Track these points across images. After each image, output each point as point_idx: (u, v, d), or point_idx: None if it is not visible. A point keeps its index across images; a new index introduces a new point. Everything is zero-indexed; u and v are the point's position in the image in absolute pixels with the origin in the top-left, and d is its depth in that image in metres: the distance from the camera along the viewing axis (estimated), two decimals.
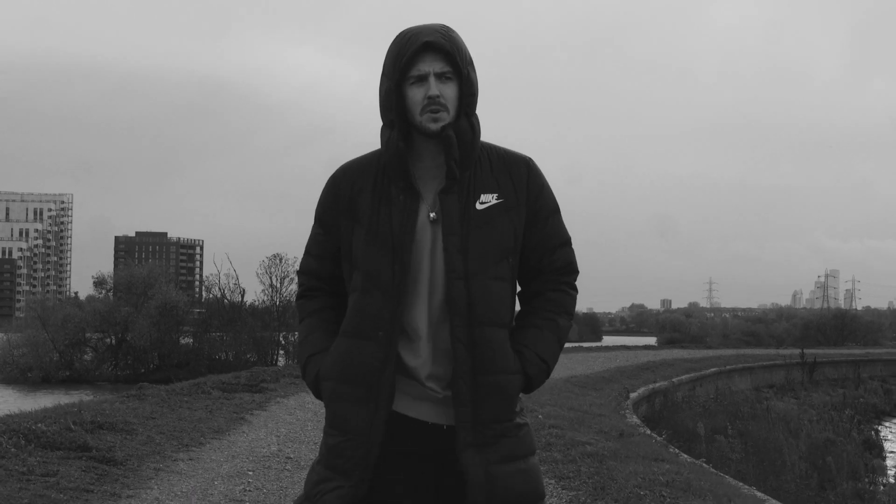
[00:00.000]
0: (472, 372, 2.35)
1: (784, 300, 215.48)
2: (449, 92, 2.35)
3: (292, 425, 9.52)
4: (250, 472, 6.77)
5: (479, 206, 2.39)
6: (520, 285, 2.55)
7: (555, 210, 2.52)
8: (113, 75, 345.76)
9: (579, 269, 2.58)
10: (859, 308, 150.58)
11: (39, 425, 7.09)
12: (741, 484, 8.09)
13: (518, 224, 2.43)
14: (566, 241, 2.55)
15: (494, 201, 2.41)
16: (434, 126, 2.33)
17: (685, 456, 9.65)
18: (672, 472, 7.49)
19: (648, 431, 12.09)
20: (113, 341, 50.74)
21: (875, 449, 22.22)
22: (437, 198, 2.39)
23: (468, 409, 2.35)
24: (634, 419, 13.80)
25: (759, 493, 7.58)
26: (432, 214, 2.38)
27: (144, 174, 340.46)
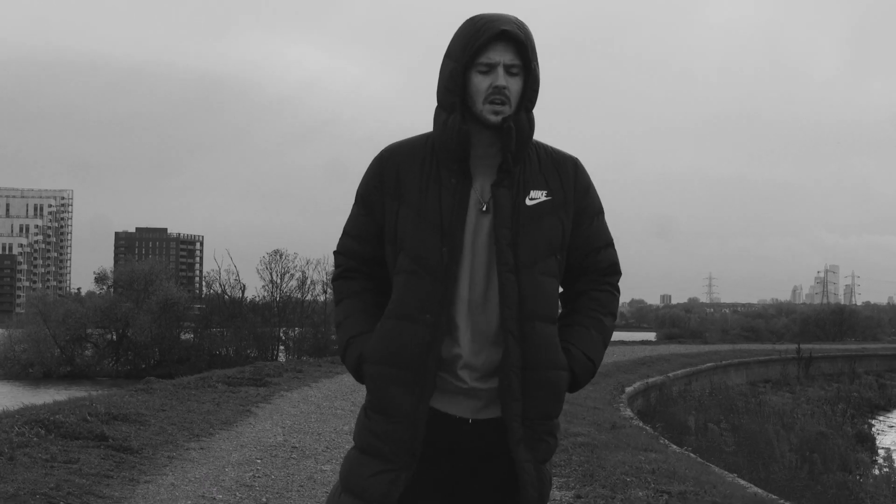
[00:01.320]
0: (521, 366, 2.34)
1: (784, 295, 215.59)
2: (514, 85, 2.35)
3: (296, 417, 9.89)
4: (258, 461, 7.15)
5: (528, 202, 2.39)
6: (562, 285, 2.54)
7: (600, 210, 2.53)
8: (112, 71, 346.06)
9: (621, 269, 2.59)
10: (859, 303, 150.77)
11: (57, 416, 7.46)
12: (726, 472, 8.46)
13: (566, 222, 2.44)
14: (610, 242, 2.56)
15: (544, 198, 2.41)
16: (494, 118, 2.34)
17: (674, 447, 10.01)
18: (659, 460, 7.86)
19: (640, 424, 12.45)
20: (114, 337, 50.97)
21: (867, 442, 22.58)
22: (490, 190, 2.39)
23: (518, 404, 2.34)
24: (628, 412, 14.14)
25: (742, 481, 7.94)
26: (484, 206, 2.38)
27: (144, 170, 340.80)
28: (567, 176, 2.47)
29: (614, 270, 2.56)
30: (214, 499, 5.78)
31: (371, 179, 2.47)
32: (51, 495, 5.21)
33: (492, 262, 2.37)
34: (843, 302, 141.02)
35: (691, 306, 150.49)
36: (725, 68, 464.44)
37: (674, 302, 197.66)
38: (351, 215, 2.54)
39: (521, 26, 2.36)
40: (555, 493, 6.26)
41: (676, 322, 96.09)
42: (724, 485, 7.17)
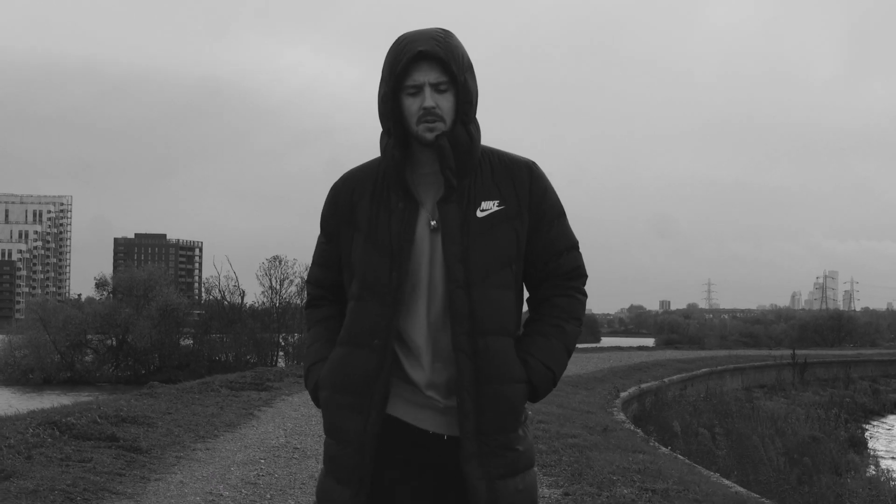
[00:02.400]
0: (475, 382, 2.33)
1: (783, 301, 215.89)
2: (445, 102, 2.32)
3: (297, 420, 10.22)
4: (262, 461, 7.48)
5: (479, 214, 2.36)
6: (527, 291, 2.51)
7: (559, 214, 2.48)
8: (111, 76, 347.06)
9: (587, 272, 2.55)
10: (858, 309, 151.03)
11: (69, 418, 7.80)
12: (711, 473, 8.78)
13: (521, 231, 2.40)
14: (573, 245, 2.51)
15: (496, 208, 2.38)
16: (430, 136, 2.32)
17: (663, 449, 10.33)
18: (647, 461, 8.18)
19: (632, 427, 12.76)
20: (114, 343, 51.00)
21: (860, 447, 22.86)
22: (436, 207, 2.37)
23: (471, 420, 2.33)
24: (621, 416, 14.43)
25: (726, 481, 8.25)
26: (433, 223, 2.36)
27: (143, 175, 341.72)
28: (521, 182, 2.43)
29: (578, 274, 2.52)
30: (222, 495, 6.11)
31: (328, 209, 2.51)
32: (69, 491, 5.54)
33: (445, 280, 2.36)
34: (842, 308, 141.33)
35: (690, 312, 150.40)
36: (725, 71, 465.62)
37: (673, 308, 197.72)
38: (317, 244, 2.58)
39: (442, 42, 2.32)
40: (544, 491, 6.58)
41: (675, 328, 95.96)
42: (708, 484, 7.48)
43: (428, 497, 2.40)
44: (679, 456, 9.97)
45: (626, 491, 6.55)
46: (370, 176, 2.45)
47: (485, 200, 2.38)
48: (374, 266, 2.36)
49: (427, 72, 2.30)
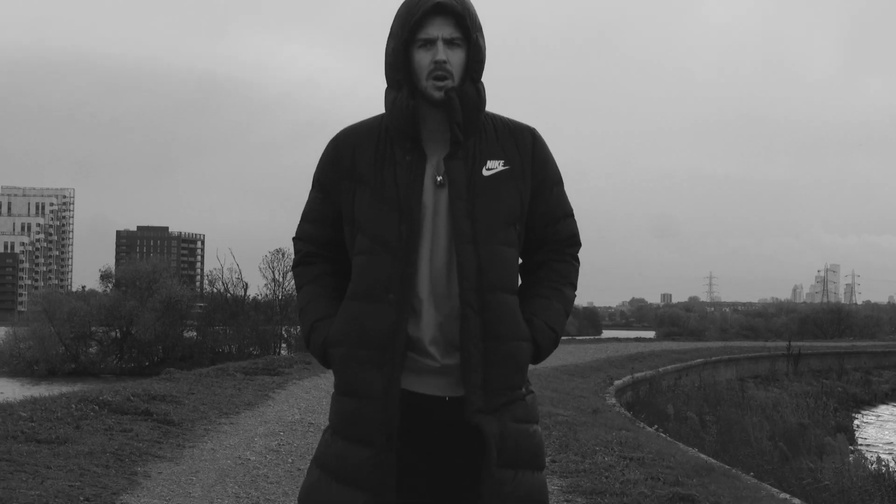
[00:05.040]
0: (482, 337, 2.32)
1: (784, 294, 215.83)
2: (456, 58, 2.33)
3: (310, 401, 11.02)
4: (281, 433, 8.32)
5: (485, 173, 2.37)
6: (522, 256, 2.51)
7: (559, 181, 2.51)
8: (111, 71, 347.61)
9: (581, 240, 2.57)
10: (859, 302, 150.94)
11: (104, 396, 8.61)
12: (689, 448, 9.58)
13: (524, 192, 2.42)
14: (569, 213, 2.54)
15: (501, 168, 2.39)
16: (438, 94, 2.32)
17: (648, 428, 11.13)
18: (629, 437, 8.97)
19: (622, 410, 13.56)
20: (118, 335, 51.52)
21: (846, 434, 23.61)
22: (443, 163, 2.37)
23: (479, 375, 2.31)
24: (612, 401, 15.19)
25: (702, 454, 9.06)
26: (439, 178, 2.36)
27: (144, 169, 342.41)
28: (524, 145, 2.45)
29: (574, 241, 2.56)
30: (249, 460, 6.94)
31: (327, 162, 2.48)
32: (118, 454, 6.37)
33: (450, 235, 2.36)
34: (843, 301, 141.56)
35: (691, 305, 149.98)
36: (724, 67, 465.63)
37: (674, 301, 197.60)
38: (308, 200, 2.54)
39: None
40: None
41: (676, 321, 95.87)
42: (682, 455, 8.28)
43: (441, 460, 2.38)
44: (662, 434, 10.76)
45: (606, 459, 7.35)
46: (373, 131, 2.44)
47: (490, 160, 2.40)
48: (383, 220, 2.35)
49: (441, 26, 2.33)
